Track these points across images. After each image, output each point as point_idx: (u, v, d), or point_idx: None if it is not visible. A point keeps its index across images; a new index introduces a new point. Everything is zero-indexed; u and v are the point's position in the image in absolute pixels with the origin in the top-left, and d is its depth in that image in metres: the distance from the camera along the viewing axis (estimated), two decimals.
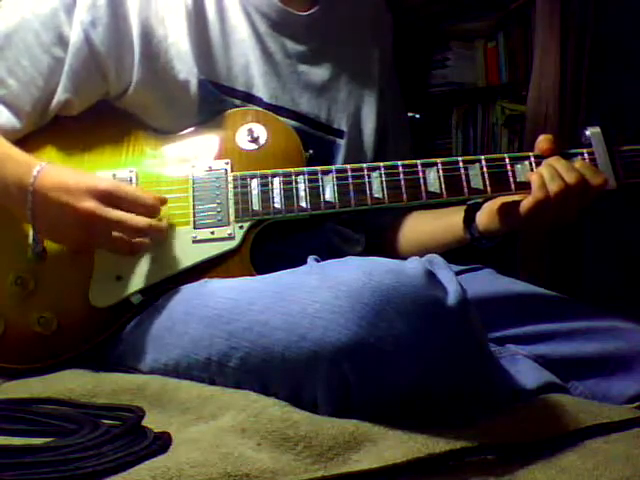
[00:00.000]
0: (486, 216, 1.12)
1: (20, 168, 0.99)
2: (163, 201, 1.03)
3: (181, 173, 1.09)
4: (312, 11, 1.19)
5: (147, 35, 1.08)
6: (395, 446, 0.72)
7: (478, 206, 1.13)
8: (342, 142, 1.21)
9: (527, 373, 0.96)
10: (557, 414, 0.84)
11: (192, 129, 1.11)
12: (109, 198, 0.98)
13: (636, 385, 0.99)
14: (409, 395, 0.79)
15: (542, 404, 0.88)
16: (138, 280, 1.04)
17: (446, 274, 0.83)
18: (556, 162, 1.04)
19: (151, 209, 1.01)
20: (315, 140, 1.17)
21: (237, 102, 1.13)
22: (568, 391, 0.98)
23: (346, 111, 1.22)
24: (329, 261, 0.90)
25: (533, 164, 1.07)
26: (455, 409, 0.81)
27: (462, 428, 0.76)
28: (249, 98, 1.14)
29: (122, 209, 0.99)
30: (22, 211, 0.99)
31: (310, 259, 0.97)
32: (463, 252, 1.22)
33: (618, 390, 0.99)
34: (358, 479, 0.68)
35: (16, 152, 1.02)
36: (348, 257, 0.89)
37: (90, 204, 0.97)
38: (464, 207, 1.15)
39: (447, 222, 1.19)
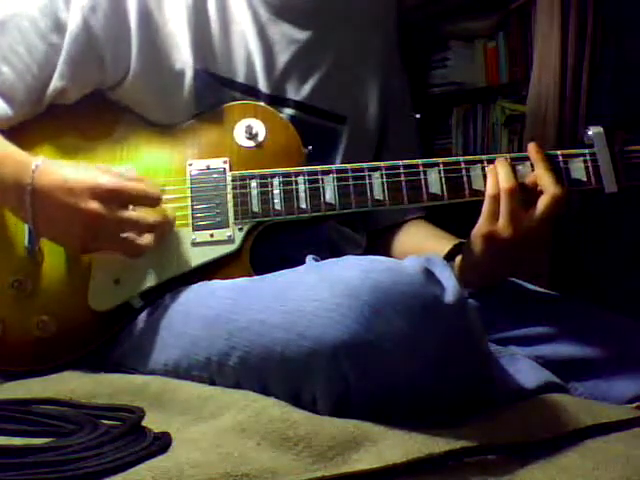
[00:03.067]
0: (457, 267, 1.10)
1: (17, 166, 0.98)
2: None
3: (178, 171, 1.08)
4: None
5: (145, 23, 1.07)
6: (395, 446, 0.72)
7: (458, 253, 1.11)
8: (344, 128, 1.20)
9: (527, 373, 0.96)
10: (557, 414, 0.84)
11: (189, 124, 1.10)
12: (113, 196, 0.96)
13: (636, 385, 0.98)
14: (408, 392, 0.79)
15: (542, 404, 0.88)
16: (137, 283, 1.03)
17: (444, 272, 0.83)
18: (499, 167, 1.03)
19: (155, 200, 1.00)
20: (316, 128, 1.16)
21: (237, 94, 1.12)
22: (568, 391, 0.98)
23: (348, 97, 1.22)
24: (327, 260, 0.90)
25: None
26: (455, 408, 0.81)
27: (462, 428, 0.76)
28: (249, 90, 1.13)
29: (127, 204, 0.98)
30: (21, 211, 0.98)
31: (309, 258, 0.97)
32: None
33: (618, 391, 0.99)
34: (358, 479, 0.68)
35: (12, 149, 1.00)
36: (346, 256, 0.89)
37: (94, 205, 0.95)
38: (454, 242, 1.14)
39: (432, 250, 1.16)
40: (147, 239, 0.99)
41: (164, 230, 1.02)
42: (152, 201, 1.00)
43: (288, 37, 1.16)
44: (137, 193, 0.98)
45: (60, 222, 0.98)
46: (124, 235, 0.98)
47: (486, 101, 2.44)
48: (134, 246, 0.99)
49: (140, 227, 0.98)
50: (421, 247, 1.21)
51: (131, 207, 0.99)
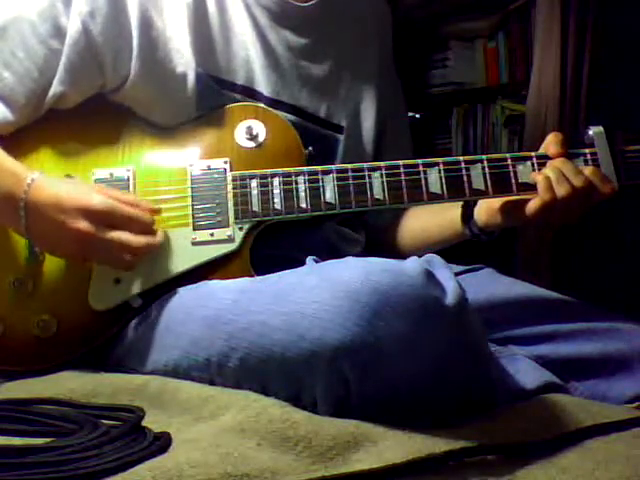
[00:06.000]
0: (485, 213, 1.12)
1: (11, 179, 0.98)
2: (157, 211, 1.03)
3: (179, 172, 1.08)
4: (313, 2, 1.18)
5: (146, 27, 1.07)
6: (395, 446, 0.72)
7: (475, 202, 1.14)
8: (341, 137, 1.21)
9: (527, 373, 0.96)
10: (557, 414, 0.84)
11: (190, 125, 1.10)
12: (103, 218, 0.97)
13: (635, 385, 0.99)
14: (409, 393, 0.79)
15: (542, 404, 0.88)
16: (137, 283, 1.03)
17: (444, 273, 0.83)
18: (562, 165, 1.04)
19: (146, 225, 1.01)
20: (315, 135, 1.17)
21: (237, 96, 1.12)
22: (568, 391, 0.98)
23: (345, 106, 1.22)
24: (328, 261, 0.90)
25: (535, 165, 1.06)
26: (455, 409, 0.81)
27: (462, 428, 0.76)
28: (249, 92, 1.13)
29: (117, 227, 0.98)
30: (15, 224, 0.99)
31: (309, 260, 0.97)
32: (463, 252, 1.22)
33: (617, 391, 0.99)
34: (358, 479, 0.68)
35: (7, 161, 1.00)
36: (347, 257, 0.89)
37: (83, 225, 0.96)
38: (461, 202, 1.15)
39: (445, 218, 1.19)
40: (133, 257, 1.00)
41: (153, 249, 1.02)
42: (141, 227, 1.00)
43: (287, 43, 1.17)
44: (127, 217, 0.99)
45: (52, 237, 0.99)
46: (113, 252, 0.99)
47: (486, 101, 2.43)
48: (122, 261, 1.00)
49: (125, 249, 0.99)
50: (428, 226, 1.24)
51: None
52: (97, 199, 0.98)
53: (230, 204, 1.06)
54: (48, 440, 0.71)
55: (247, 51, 1.14)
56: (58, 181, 1.01)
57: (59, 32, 1.05)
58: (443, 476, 0.70)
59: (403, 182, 1.06)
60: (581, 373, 1.01)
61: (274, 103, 1.14)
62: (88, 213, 0.96)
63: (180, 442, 0.73)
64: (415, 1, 2.35)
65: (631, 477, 0.70)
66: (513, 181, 1.06)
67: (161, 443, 0.72)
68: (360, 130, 1.24)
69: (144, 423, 0.76)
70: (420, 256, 0.87)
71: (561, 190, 1.02)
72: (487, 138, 2.43)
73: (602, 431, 0.81)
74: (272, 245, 1.08)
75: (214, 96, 1.11)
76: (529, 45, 2.24)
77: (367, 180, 1.06)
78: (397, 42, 1.37)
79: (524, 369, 0.97)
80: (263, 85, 1.14)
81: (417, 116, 2.46)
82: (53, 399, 0.85)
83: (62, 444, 0.69)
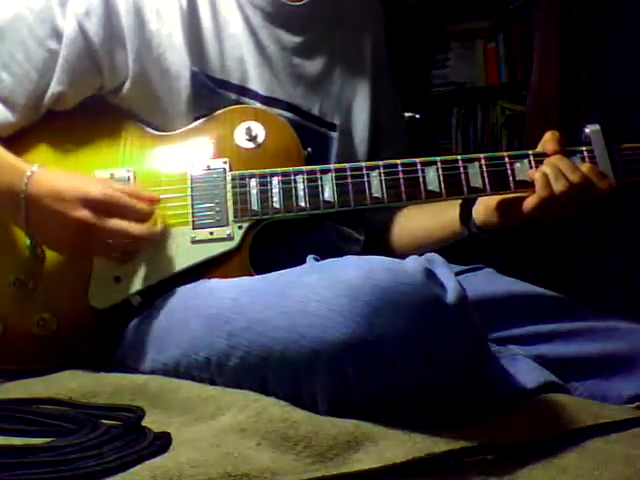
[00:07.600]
0: (483, 211, 1.12)
1: (11, 173, 0.98)
2: (156, 200, 1.03)
3: (179, 172, 1.08)
4: (306, 1, 1.18)
5: (140, 27, 1.07)
6: (395, 446, 0.72)
7: (473, 201, 1.14)
8: (335, 135, 1.21)
9: (527, 373, 0.96)
10: (557, 414, 0.84)
11: (190, 127, 1.11)
12: (102, 206, 0.97)
13: (635, 385, 0.99)
14: (408, 393, 0.79)
15: (542, 404, 0.88)
16: (137, 281, 1.03)
17: (445, 272, 0.83)
18: (559, 161, 1.04)
19: (144, 214, 1.01)
20: (309, 133, 1.17)
21: (232, 95, 1.13)
22: (568, 391, 0.98)
23: (338, 104, 1.22)
24: (328, 260, 0.90)
25: (532, 162, 1.07)
26: (455, 409, 0.81)
27: (462, 428, 0.76)
28: (244, 91, 1.14)
29: (116, 216, 0.98)
30: (15, 218, 0.99)
31: (309, 258, 0.97)
32: (463, 252, 1.22)
33: (617, 390, 0.99)
34: (358, 479, 0.68)
35: (7, 156, 1.00)
36: (347, 256, 0.89)
37: (83, 213, 0.96)
38: (459, 202, 1.15)
39: (443, 218, 1.19)
40: (133, 245, 1.00)
41: (153, 238, 1.02)
42: (140, 216, 1.00)
43: (280, 42, 1.17)
44: (125, 206, 0.99)
45: (52, 228, 0.98)
46: (113, 242, 0.99)
47: (486, 101, 2.44)
48: (122, 252, 1.00)
49: (125, 237, 0.99)
50: (426, 225, 1.23)
51: None
52: (96, 187, 0.98)
53: (229, 203, 1.06)
54: (48, 440, 0.71)
55: (240, 50, 1.14)
56: (58, 173, 1.01)
57: (56, 33, 1.05)
58: (443, 476, 0.71)
59: (401, 180, 1.06)
60: (581, 373, 1.01)
61: (269, 101, 1.14)
62: (88, 201, 0.96)
63: (180, 442, 0.73)
64: (415, 1, 2.35)
65: (631, 477, 0.70)
66: (510, 179, 1.07)
67: (161, 443, 0.72)
68: (353, 128, 1.24)
69: (144, 423, 0.76)
70: (420, 255, 0.87)
71: (558, 186, 1.02)
72: (487, 138, 2.44)
73: (602, 431, 0.82)
74: (271, 244, 1.08)
75: (210, 95, 1.11)
76: (529, 45, 2.25)
77: (365, 179, 1.06)
78: (397, 42, 1.37)
79: (524, 369, 0.97)
80: (257, 84, 1.14)
81: (417, 116, 2.46)
82: (53, 399, 0.85)
83: (62, 444, 0.69)
